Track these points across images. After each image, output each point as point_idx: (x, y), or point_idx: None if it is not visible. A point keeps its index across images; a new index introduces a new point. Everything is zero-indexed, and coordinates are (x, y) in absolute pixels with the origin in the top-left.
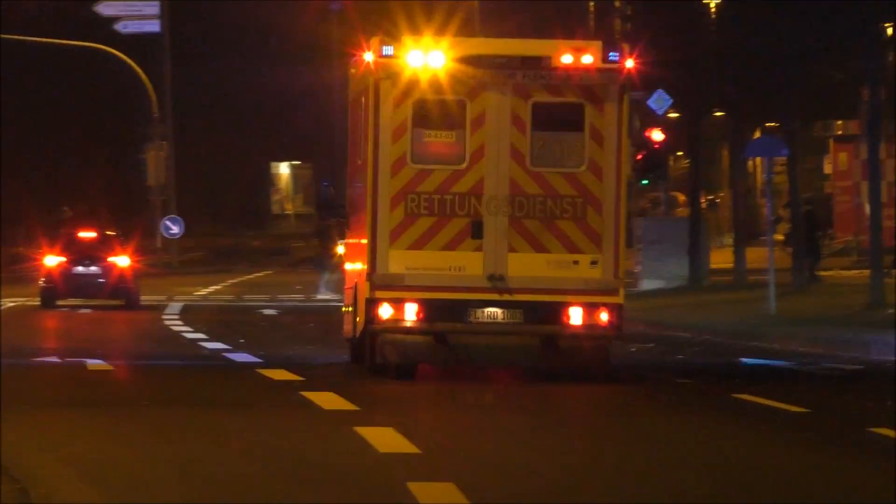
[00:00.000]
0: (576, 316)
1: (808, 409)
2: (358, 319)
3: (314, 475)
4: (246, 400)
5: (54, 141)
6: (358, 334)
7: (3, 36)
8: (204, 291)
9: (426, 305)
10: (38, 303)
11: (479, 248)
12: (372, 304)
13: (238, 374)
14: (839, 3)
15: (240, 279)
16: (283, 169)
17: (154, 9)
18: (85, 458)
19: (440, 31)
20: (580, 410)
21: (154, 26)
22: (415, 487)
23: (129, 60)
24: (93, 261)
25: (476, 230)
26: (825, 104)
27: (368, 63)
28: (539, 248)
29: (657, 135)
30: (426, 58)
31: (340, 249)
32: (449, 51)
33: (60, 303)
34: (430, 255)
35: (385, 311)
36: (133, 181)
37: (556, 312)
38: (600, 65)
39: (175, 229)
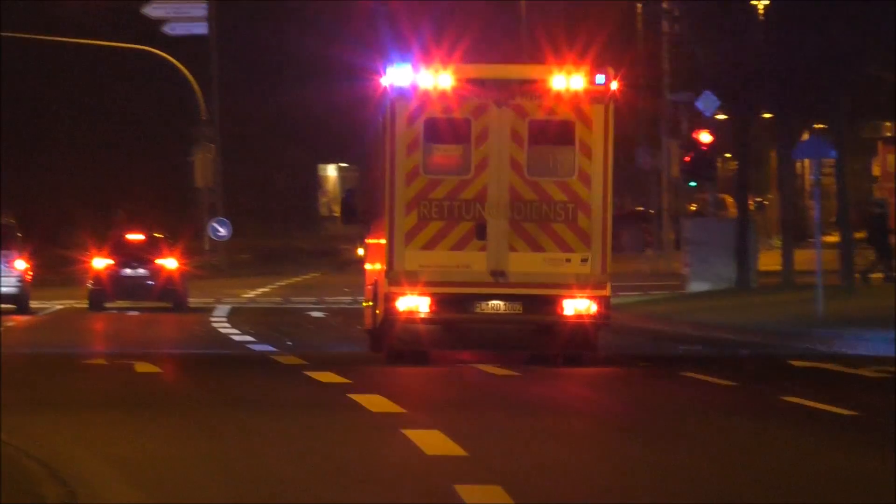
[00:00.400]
0: (569, 307)
1: (856, 411)
2: (377, 312)
3: (362, 478)
4: (293, 402)
5: (103, 143)
6: (378, 325)
7: (51, 38)
8: (252, 293)
9: (438, 298)
10: (86, 305)
11: (483, 248)
12: (390, 297)
13: (285, 376)
14: (887, 3)
15: (287, 281)
16: (331, 171)
17: (201, 10)
18: (132, 460)
19: (482, 32)
20: (622, 411)
21: (202, 28)
22: (462, 490)
23: (176, 62)
24: (141, 263)
25: (480, 232)
26: (873, 105)
27: (385, 86)
28: (536, 247)
29: (705, 136)
30: (436, 80)
31: (361, 252)
32: (456, 74)
33: (109, 305)
34: (440, 254)
35: (402, 304)
36: (181, 183)
37: (551, 304)
38: (588, 87)
39: (222, 231)
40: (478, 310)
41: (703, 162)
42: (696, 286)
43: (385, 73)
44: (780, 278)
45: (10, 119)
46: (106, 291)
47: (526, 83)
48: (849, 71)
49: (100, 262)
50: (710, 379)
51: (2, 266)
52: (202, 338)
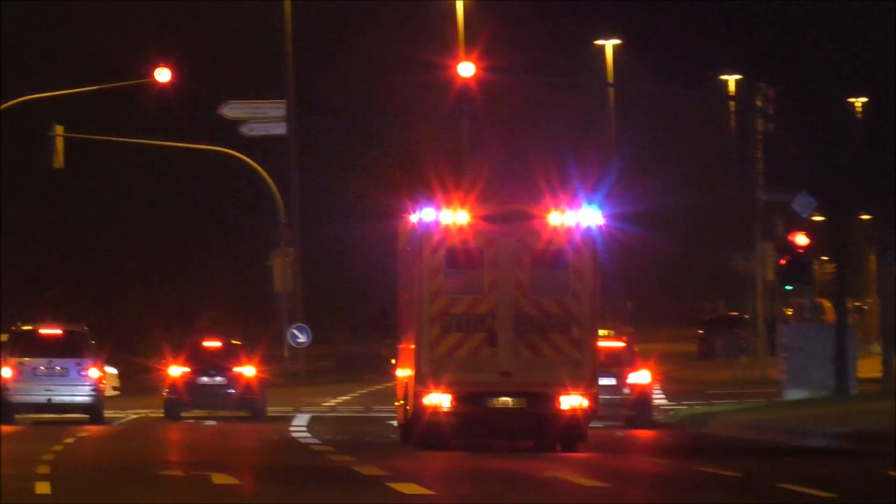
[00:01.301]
0: (565, 403)
1: None
2: (408, 408)
3: None
4: None
5: (180, 246)
6: (408, 419)
7: (127, 139)
8: (332, 402)
9: (457, 395)
10: (162, 414)
11: (494, 354)
12: (419, 395)
13: (367, 489)
14: None
15: (369, 389)
16: None
17: (280, 111)
18: None
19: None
20: None
21: (280, 128)
22: None
23: (254, 164)
24: (218, 371)
25: (492, 340)
26: None
27: (414, 222)
28: (537, 353)
29: (801, 239)
30: (455, 217)
31: (393, 360)
32: (471, 212)
33: (185, 414)
34: (459, 359)
35: (428, 400)
36: (259, 288)
37: (550, 399)
38: (578, 222)
39: (302, 338)
40: (490, 405)
41: (799, 265)
42: (792, 394)
43: (414, 211)
44: (880, 385)
45: (87, 223)
46: (182, 400)
47: (528, 219)
48: None
49: (176, 370)
50: (807, 490)
51: (75, 374)
52: (281, 448)
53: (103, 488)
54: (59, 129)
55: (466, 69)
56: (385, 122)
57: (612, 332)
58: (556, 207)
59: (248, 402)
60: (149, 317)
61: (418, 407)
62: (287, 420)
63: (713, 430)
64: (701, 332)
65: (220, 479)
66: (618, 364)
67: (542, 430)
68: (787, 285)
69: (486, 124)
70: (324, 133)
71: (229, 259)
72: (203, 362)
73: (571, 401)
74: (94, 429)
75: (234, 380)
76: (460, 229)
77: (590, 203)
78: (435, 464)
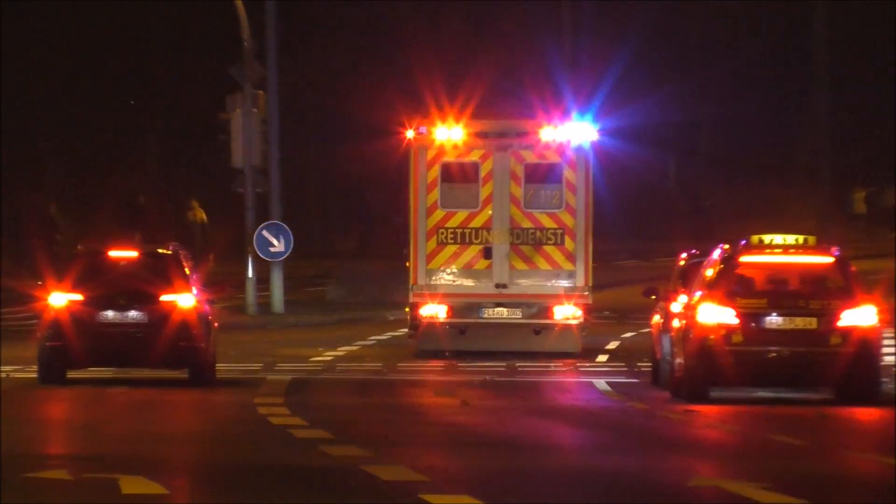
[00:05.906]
0: (559, 312)
1: None
2: (409, 316)
3: None
4: None
5: (86, 96)
6: (410, 328)
7: None
8: (328, 356)
9: (453, 306)
10: (35, 374)
11: (489, 266)
12: (416, 305)
13: (389, 496)
14: None
15: (391, 334)
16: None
17: None
18: None
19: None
20: None
21: None
22: None
23: None
24: (132, 300)
25: (487, 253)
26: None
27: (410, 139)
28: (531, 265)
29: None
30: (449, 133)
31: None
32: (465, 127)
33: (74, 375)
34: (455, 271)
35: (425, 311)
36: (212, 160)
37: (544, 309)
38: (571, 136)
39: (278, 245)
40: (485, 315)
41: None
42: None
43: (409, 128)
44: None
45: None
46: (70, 350)
47: (522, 134)
48: None
49: (60, 299)
50: None
51: None
52: (242, 433)
53: None
54: None
55: None
56: None
57: (809, 240)
58: (549, 122)
59: (185, 354)
60: (23, 207)
61: (415, 317)
62: (251, 385)
63: None
64: None
65: (133, 485)
66: (822, 294)
67: (535, 340)
68: None
69: None
70: None
71: (163, 118)
72: (107, 286)
73: (565, 311)
74: None
75: (159, 316)
76: (455, 145)
77: (582, 117)
78: (491, 461)
